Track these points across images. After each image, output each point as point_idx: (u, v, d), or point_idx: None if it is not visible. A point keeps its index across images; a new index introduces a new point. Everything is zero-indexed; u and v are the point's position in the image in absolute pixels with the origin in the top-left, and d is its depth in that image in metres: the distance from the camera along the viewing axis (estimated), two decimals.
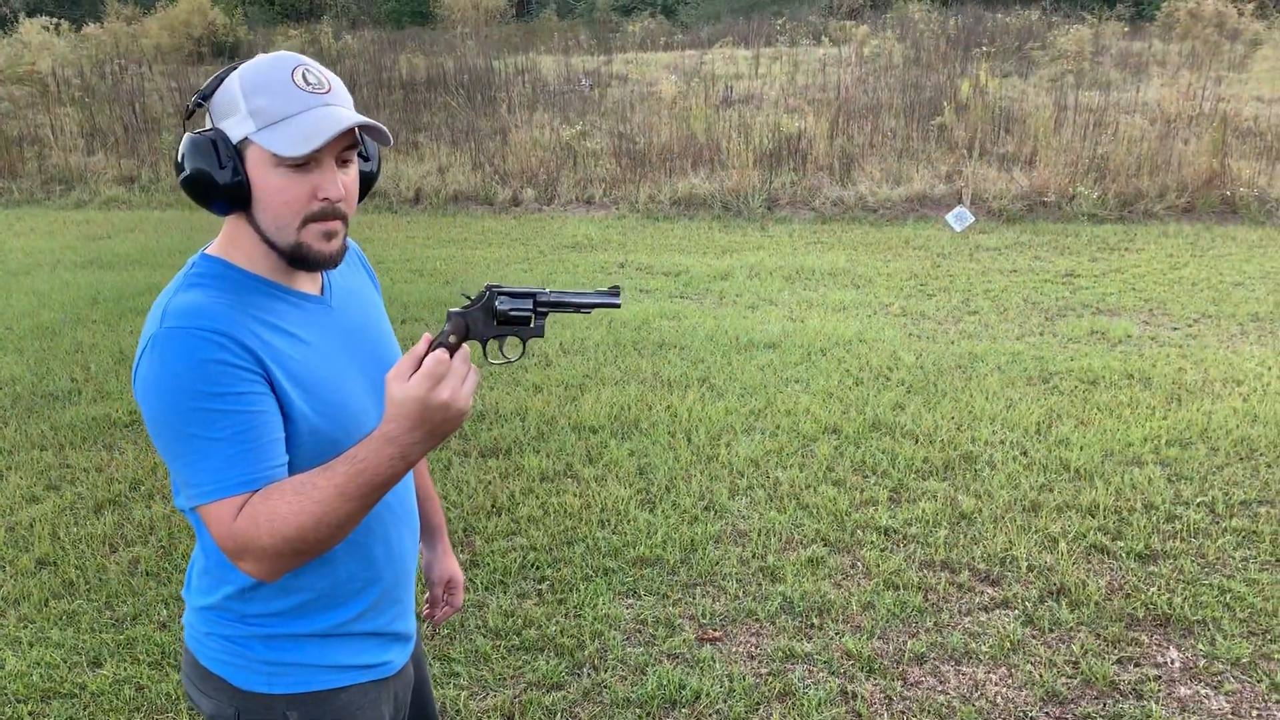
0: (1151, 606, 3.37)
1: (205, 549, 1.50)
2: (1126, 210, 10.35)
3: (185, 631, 1.58)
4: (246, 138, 1.35)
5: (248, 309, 1.39)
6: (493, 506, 4.20)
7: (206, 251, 1.46)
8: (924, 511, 4.05)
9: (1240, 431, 4.76)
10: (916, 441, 4.75)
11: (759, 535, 3.92)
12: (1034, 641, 3.21)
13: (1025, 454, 4.58)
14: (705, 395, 5.45)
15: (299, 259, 1.42)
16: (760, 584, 3.59)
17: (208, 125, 1.40)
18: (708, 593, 3.55)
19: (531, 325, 1.51)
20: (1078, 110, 12.38)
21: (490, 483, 4.41)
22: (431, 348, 1.37)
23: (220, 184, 1.36)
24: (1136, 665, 3.09)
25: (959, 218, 9.45)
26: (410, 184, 12.61)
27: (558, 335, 6.60)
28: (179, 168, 1.38)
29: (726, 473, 4.49)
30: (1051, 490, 4.21)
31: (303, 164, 1.36)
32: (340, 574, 1.52)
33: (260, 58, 1.40)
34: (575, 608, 3.46)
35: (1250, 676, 3.02)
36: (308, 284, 1.52)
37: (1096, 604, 3.39)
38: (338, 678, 1.54)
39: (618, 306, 1.54)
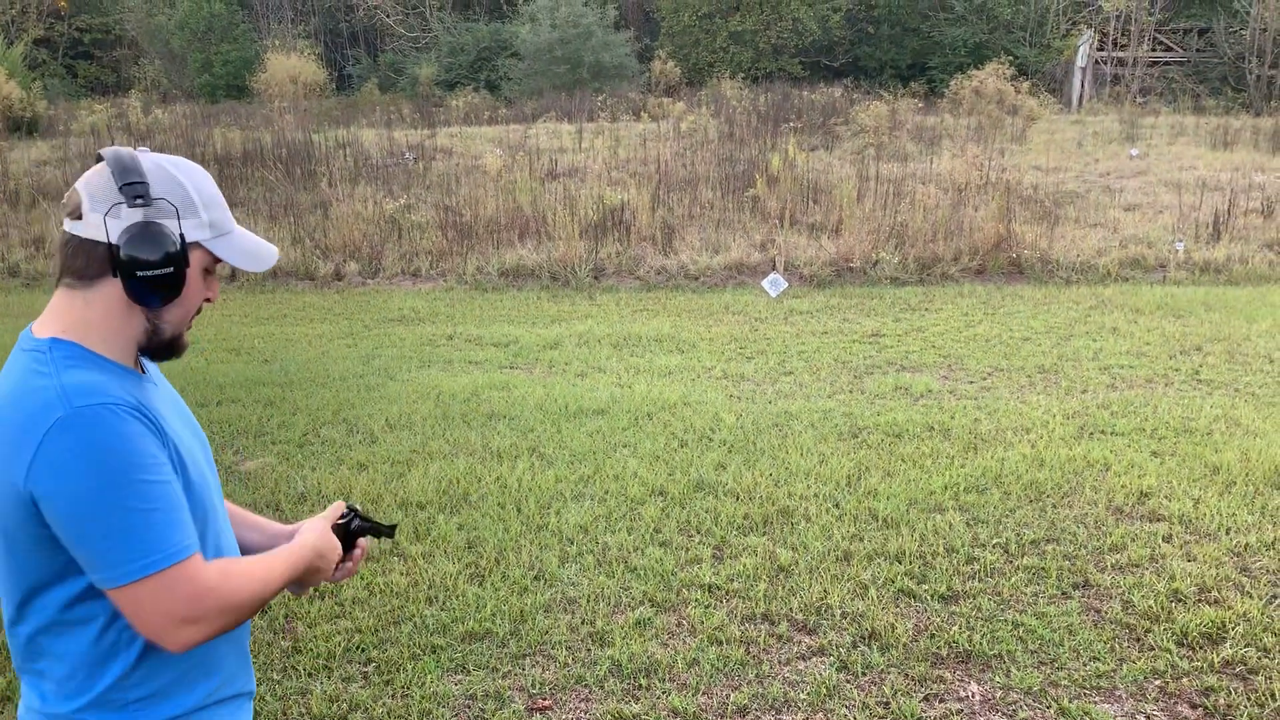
0: (954, 644, 3.60)
1: (65, 652, 1.47)
2: (925, 273, 11.10)
3: None
4: (198, 241, 1.50)
5: (127, 389, 1.46)
6: (315, 590, 4.09)
7: (52, 336, 1.46)
8: (745, 566, 4.19)
9: (1030, 476, 5.16)
10: (737, 499, 4.93)
11: (588, 601, 3.97)
12: (849, 686, 3.38)
13: (837, 506, 4.82)
14: (535, 464, 5.49)
15: (173, 348, 1.56)
16: (589, 649, 3.63)
17: (160, 218, 1.46)
18: (537, 662, 3.57)
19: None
20: (878, 181, 13.24)
21: None
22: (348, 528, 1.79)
23: (181, 281, 1.48)
24: (941, 701, 3.29)
25: (774, 284, 9.91)
26: None
27: (383, 411, 6.51)
28: (166, 258, 1.45)
29: (556, 541, 4.53)
30: (862, 539, 4.45)
31: (210, 270, 1.55)
32: (211, 648, 1.58)
33: (189, 164, 1.54)
34: (403, 688, 3.41)
35: (1041, 704, 3.26)
36: (137, 368, 1.58)
37: (905, 645, 3.60)
38: None
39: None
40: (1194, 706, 3.23)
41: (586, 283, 11.43)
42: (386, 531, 1.91)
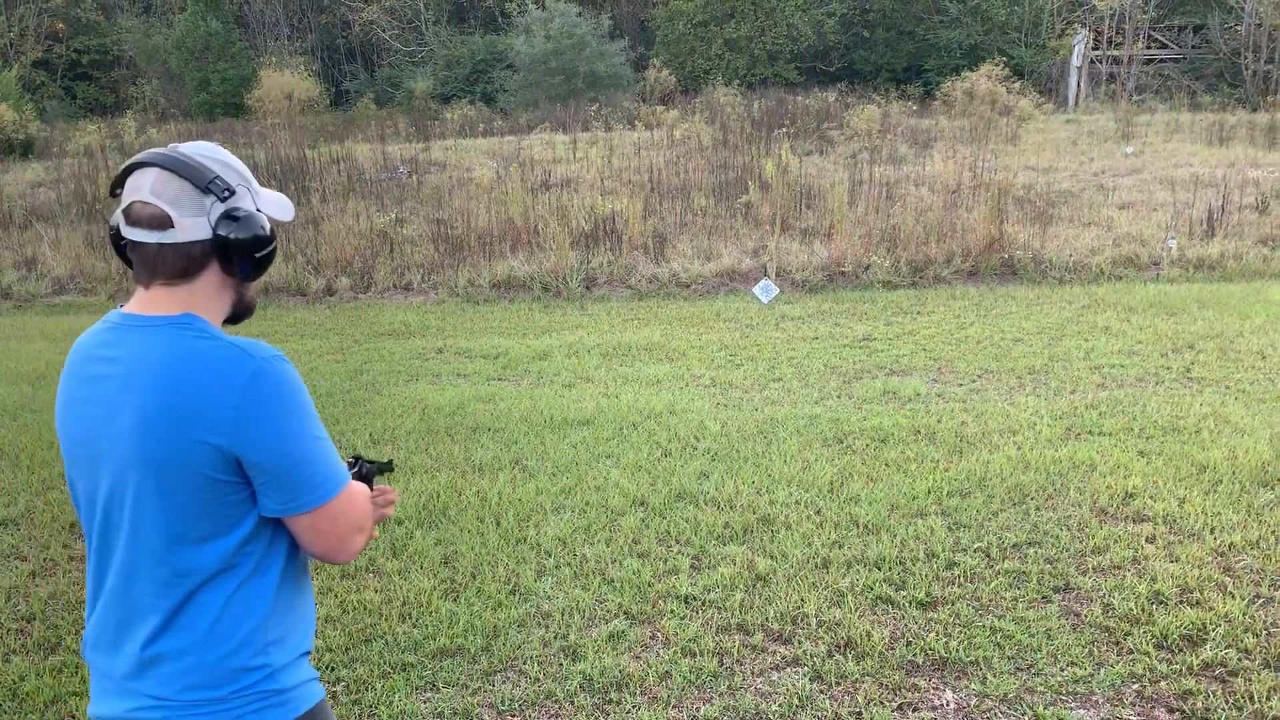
0: (930, 651, 3.55)
1: (216, 601, 1.59)
2: (917, 276, 11.05)
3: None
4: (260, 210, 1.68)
5: None
6: None
7: (184, 312, 1.61)
8: (723, 576, 4.15)
9: (1014, 479, 5.11)
10: (718, 508, 4.88)
11: (562, 615, 3.92)
12: (821, 696, 3.33)
13: (819, 513, 4.77)
14: (517, 477, 5.45)
15: (250, 309, 1.73)
16: (561, 664, 3.59)
17: (241, 202, 1.63)
18: (508, 678, 3.53)
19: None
20: (871, 184, 13.21)
21: None
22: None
23: (273, 255, 1.69)
24: (915, 710, 3.24)
25: (765, 290, 9.87)
26: None
27: (367, 425, 6.48)
28: (270, 235, 1.65)
29: (534, 554, 4.49)
30: (842, 546, 4.40)
31: None
32: (308, 597, 1.77)
33: (216, 146, 1.66)
34: (370, 707, 3.37)
35: (1016, 710, 3.21)
36: None
37: (880, 653, 3.55)
38: (316, 690, 1.73)
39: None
40: (1171, 710, 3.17)
41: (578, 293, 11.40)
42: (387, 467, 2.08)
